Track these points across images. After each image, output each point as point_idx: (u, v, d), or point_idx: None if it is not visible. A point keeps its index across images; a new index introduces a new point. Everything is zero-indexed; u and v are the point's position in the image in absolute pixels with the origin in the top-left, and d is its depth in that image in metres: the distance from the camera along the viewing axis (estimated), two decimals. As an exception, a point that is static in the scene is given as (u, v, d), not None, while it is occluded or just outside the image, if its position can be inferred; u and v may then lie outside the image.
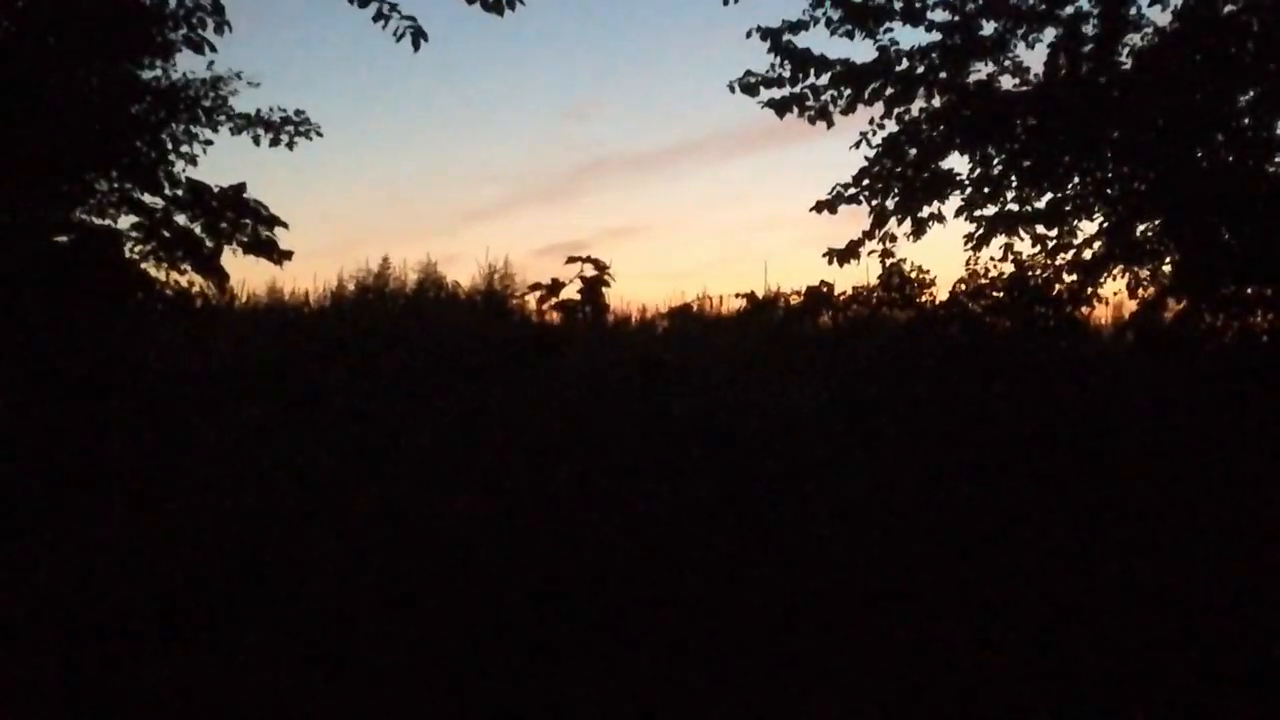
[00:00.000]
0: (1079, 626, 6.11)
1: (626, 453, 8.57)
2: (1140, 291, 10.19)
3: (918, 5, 9.55)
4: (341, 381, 9.24)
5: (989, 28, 9.61)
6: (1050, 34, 9.60)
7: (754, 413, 9.86)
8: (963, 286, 10.63)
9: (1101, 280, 10.19)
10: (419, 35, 6.86)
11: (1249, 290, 8.97)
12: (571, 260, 8.30)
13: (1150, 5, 9.58)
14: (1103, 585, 6.64)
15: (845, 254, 10.33)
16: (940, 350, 9.98)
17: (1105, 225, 10.11)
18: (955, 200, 10.47)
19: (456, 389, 9.49)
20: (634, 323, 14.12)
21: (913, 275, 10.51)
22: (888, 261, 10.61)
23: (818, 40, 13.07)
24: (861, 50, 13.61)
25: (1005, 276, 10.58)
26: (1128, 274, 10.34)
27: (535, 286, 8.44)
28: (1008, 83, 9.83)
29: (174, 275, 8.43)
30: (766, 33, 9.73)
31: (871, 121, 10.29)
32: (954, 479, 8.28)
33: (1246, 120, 9.00)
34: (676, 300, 15.35)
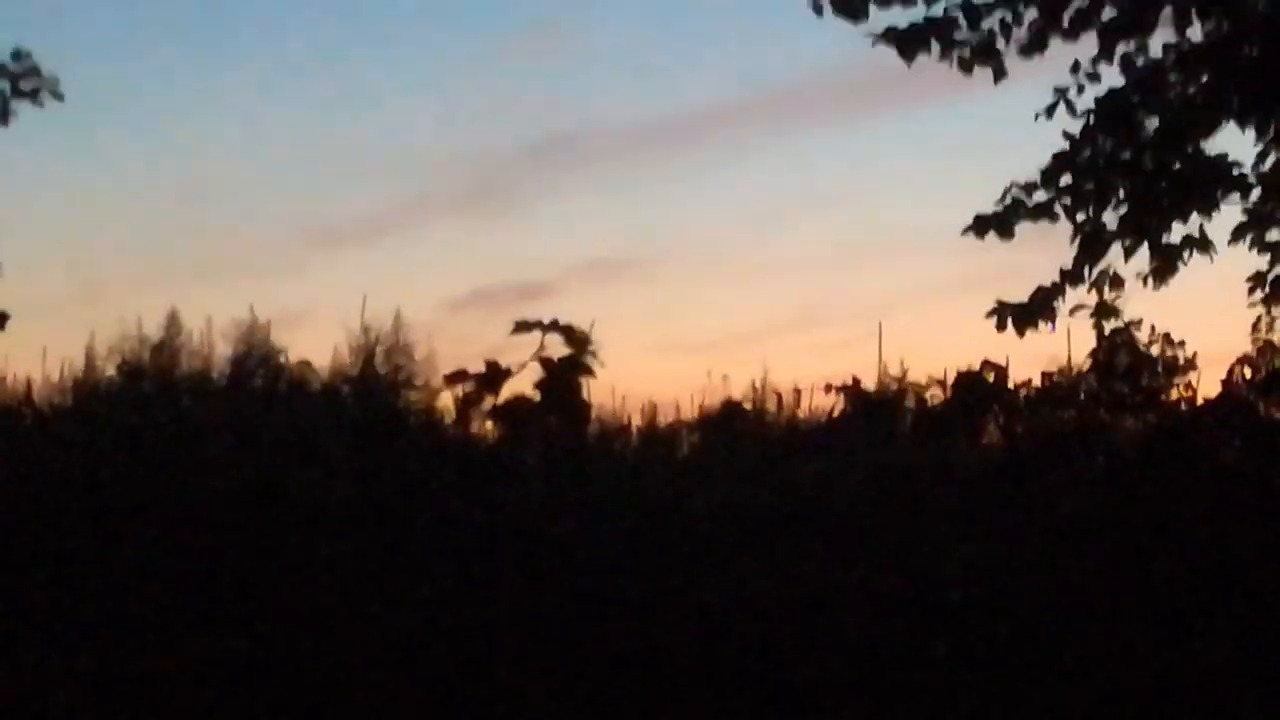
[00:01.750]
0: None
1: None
2: None
3: None
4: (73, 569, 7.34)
5: None
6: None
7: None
8: (1246, 372, 8.66)
9: None
10: None
11: None
12: (522, 329, 5.39)
13: None
14: None
15: (1029, 311, 8.36)
16: (1209, 493, 7.91)
17: None
18: (1233, 211, 8.49)
19: (293, 586, 7.46)
20: (635, 437, 10.59)
21: (1155, 349, 8.49)
22: (1107, 325, 8.47)
23: None
24: None
25: None
26: None
27: (456, 377, 5.55)
28: None
29: None
30: None
31: (1076, 69, 8.29)
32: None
33: None
34: (712, 393, 11.05)
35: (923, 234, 22.15)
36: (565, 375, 6.05)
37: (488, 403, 6.05)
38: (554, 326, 5.92)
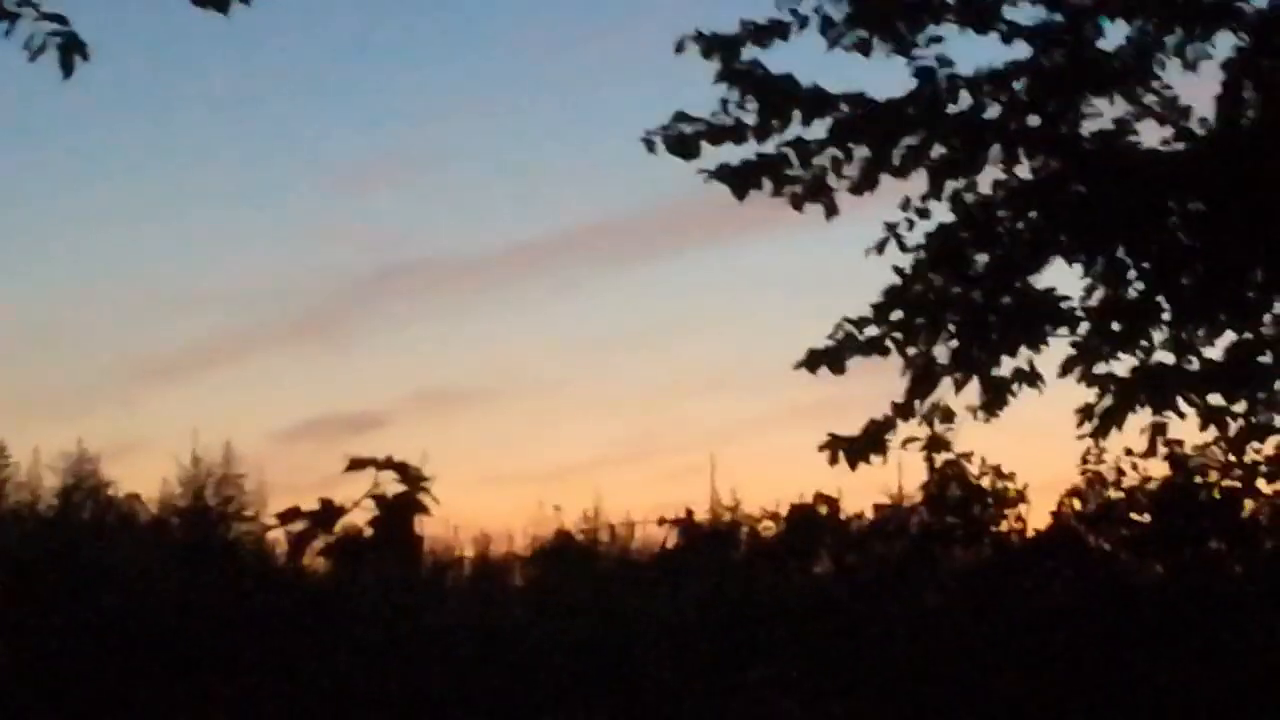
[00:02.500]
0: None
1: None
2: None
3: (988, -2, 8.03)
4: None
5: (1116, 33, 8.13)
6: (1227, 45, 8.02)
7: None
8: (1077, 503, 8.93)
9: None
10: (74, 50, 5.35)
11: None
12: (356, 466, 4.98)
13: None
14: None
15: (860, 445, 8.24)
16: (1041, 624, 8.23)
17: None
18: (1061, 345, 8.48)
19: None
20: (467, 570, 10.53)
21: (986, 481, 8.71)
22: (939, 457, 8.65)
23: (805, 58, 9.54)
24: (887, 77, 10.25)
25: (1154, 484, 9.02)
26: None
27: (289, 515, 5.07)
28: (1151, 134, 8.29)
29: None
30: (714, 43, 7.83)
31: (907, 205, 8.31)
32: None
33: None
34: (544, 525, 11.09)
35: (754, 366, 22.01)
36: (399, 513, 6.25)
37: (321, 540, 6.46)
38: (388, 464, 5.89)
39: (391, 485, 5.99)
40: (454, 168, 23.86)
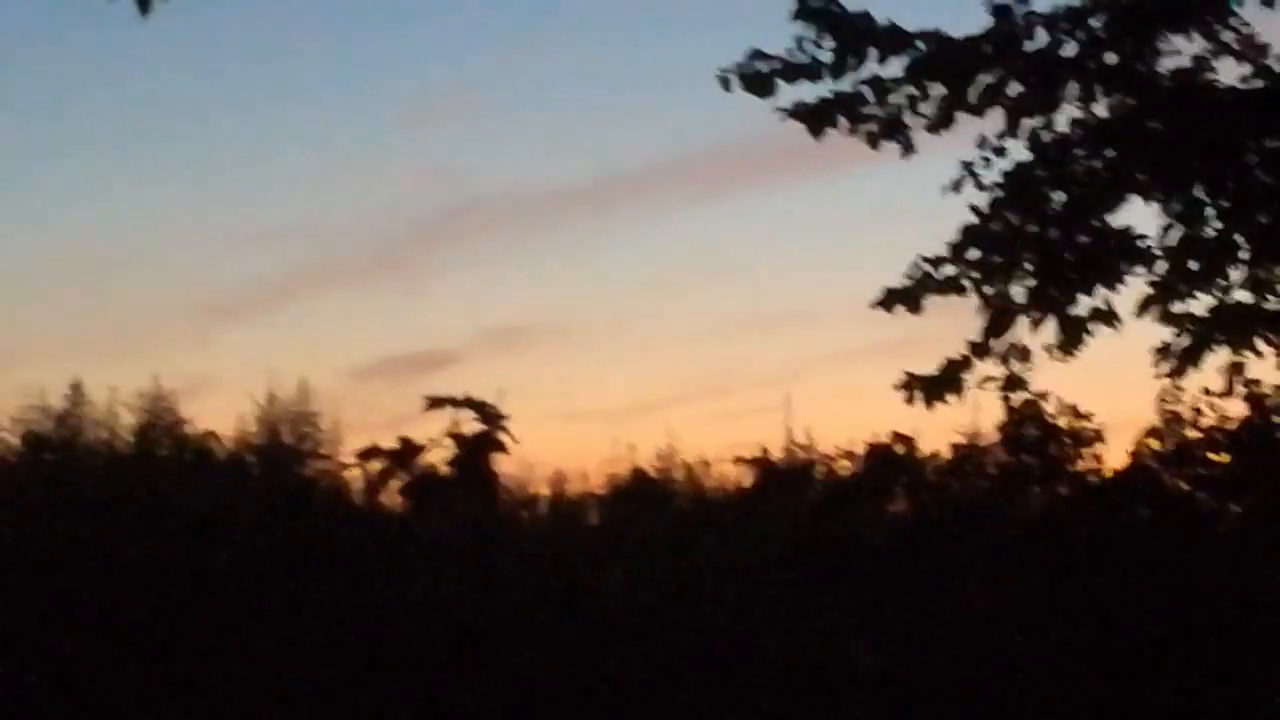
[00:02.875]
0: None
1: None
2: None
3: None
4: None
5: None
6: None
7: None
8: (1154, 442, 8.85)
9: None
10: None
11: None
12: (435, 405, 5.40)
13: None
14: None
15: (937, 384, 8.15)
16: (1118, 560, 8.06)
17: None
18: (1138, 285, 8.44)
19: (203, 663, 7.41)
20: (544, 508, 10.46)
21: (1062, 421, 8.61)
22: (1015, 397, 8.49)
23: None
24: (963, 14, 10.36)
25: (1232, 424, 8.95)
26: None
27: (369, 453, 5.50)
28: (1229, 72, 8.08)
29: None
30: None
31: (983, 143, 8.19)
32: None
33: None
34: (618, 464, 11.04)
35: (829, 303, 21.88)
36: (478, 451, 5.83)
37: (400, 478, 6.14)
38: (466, 402, 5.65)
39: (469, 424, 6.18)
40: (528, 103, 23.90)
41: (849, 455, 8.42)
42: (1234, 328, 8.44)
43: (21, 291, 21.31)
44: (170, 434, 9.81)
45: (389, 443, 6.09)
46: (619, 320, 22.37)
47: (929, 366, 8.37)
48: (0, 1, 21.03)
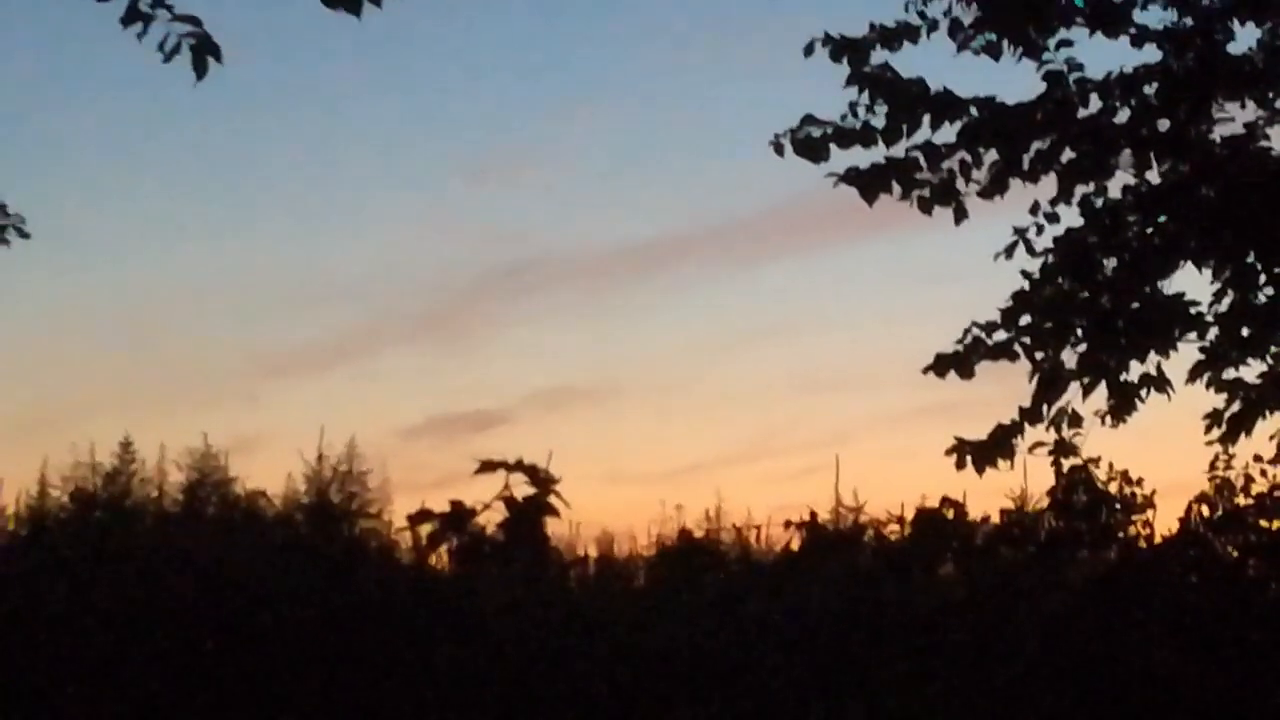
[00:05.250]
0: None
1: None
2: None
3: (1116, -2, 7.85)
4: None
5: (1247, 36, 8.04)
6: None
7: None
8: (1204, 510, 8.73)
9: None
10: (207, 51, 5.23)
11: None
12: (487, 468, 4.63)
13: None
14: None
15: (988, 449, 8.11)
16: (1168, 629, 7.96)
17: None
18: (1189, 350, 8.46)
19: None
20: (591, 569, 10.46)
21: (1112, 487, 8.48)
22: (1066, 462, 8.46)
23: (934, 62, 9.70)
24: (1016, 81, 10.26)
25: None
26: None
27: (420, 517, 4.71)
28: None
29: None
30: (843, 46, 7.81)
31: (1035, 210, 8.31)
32: None
33: None
34: (665, 526, 11.02)
35: (878, 365, 21.89)
36: (530, 515, 6.37)
37: (451, 542, 6.46)
38: (518, 466, 6.11)
39: (521, 487, 6.38)
40: (577, 165, 23.85)
41: (898, 520, 8.32)
42: (1288, 392, 8.36)
43: (73, 347, 21.48)
44: (219, 492, 9.72)
45: (439, 504, 6.47)
46: (669, 381, 22.47)
47: (978, 429, 8.21)
48: (53, 56, 21.16)
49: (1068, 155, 7.87)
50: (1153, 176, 7.96)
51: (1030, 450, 8.25)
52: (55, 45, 20.97)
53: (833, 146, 7.75)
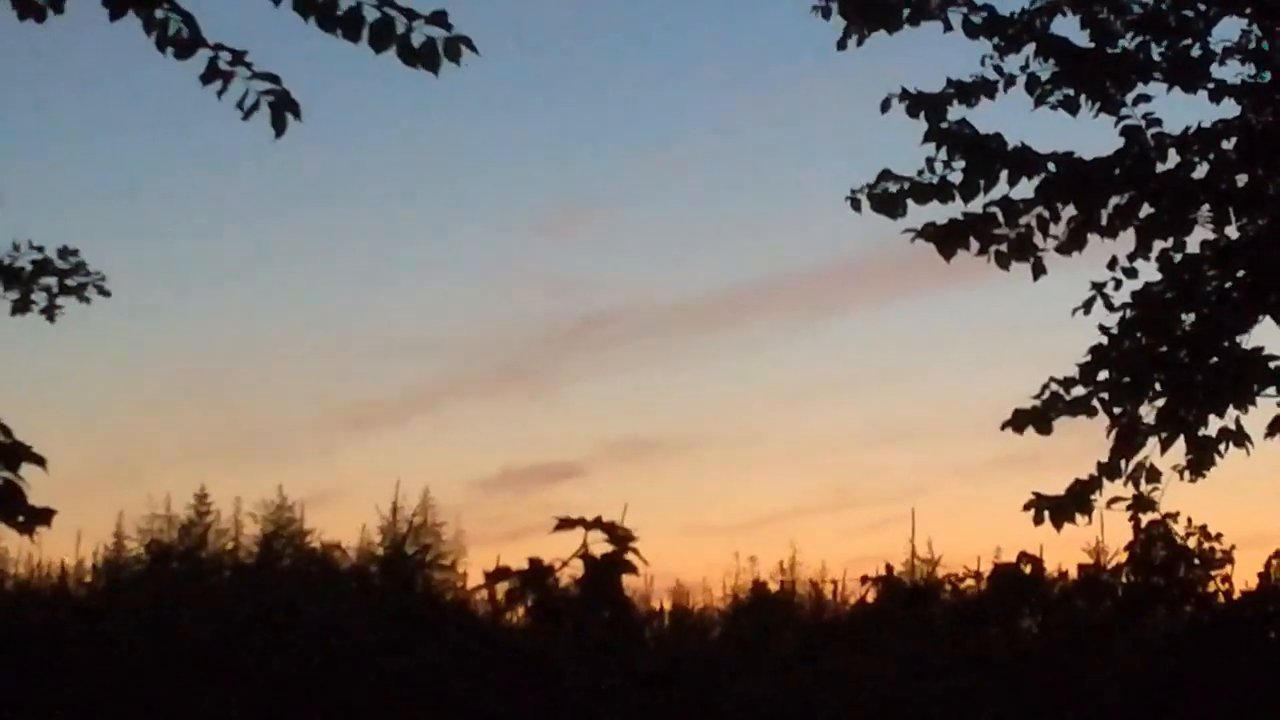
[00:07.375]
0: None
1: None
2: None
3: (1194, 54, 7.87)
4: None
5: None
6: None
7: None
8: None
9: None
10: (286, 108, 5.19)
11: None
12: (565, 525, 4.82)
13: None
14: None
15: (1066, 504, 8.00)
16: (1247, 685, 7.77)
17: None
18: (1268, 405, 8.30)
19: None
20: (667, 623, 10.36)
21: (1191, 542, 8.39)
22: (1144, 517, 8.34)
23: (1011, 117, 9.64)
24: (1094, 136, 10.10)
25: None
26: None
27: (497, 574, 4.96)
28: None
29: None
30: (920, 102, 7.77)
31: (1113, 265, 8.27)
32: None
33: None
34: (740, 579, 10.97)
35: (954, 417, 21.75)
36: (608, 572, 6.34)
37: (527, 602, 6.43)
38: (596, 523, 6.08)
39: (598, 544, 6.32)
40: (656, 217, 23.59)
41: (975, 575, 8.28)
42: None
43: (149, 399, 21.53)
44: (294, 544, 9.68)
45: (514, 558, 6.41)
46: (743, 433, 22.32)
47: (1056, 482, 8.11)
48: (130, 111, 21.51)
49: (1146, 210, 7.80)
50: (1231, 231, 7.86)
51: (1108, 505, 8.17)
52: (133, 97, 21.24)
53: (909, 202, 7.72)
